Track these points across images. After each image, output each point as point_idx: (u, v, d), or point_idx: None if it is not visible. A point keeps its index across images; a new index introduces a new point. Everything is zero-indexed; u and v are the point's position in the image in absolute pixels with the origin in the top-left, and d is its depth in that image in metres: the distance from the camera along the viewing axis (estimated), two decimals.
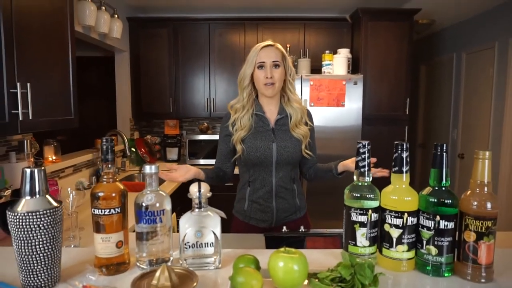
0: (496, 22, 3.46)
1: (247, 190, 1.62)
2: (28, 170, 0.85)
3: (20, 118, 1.46)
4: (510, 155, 3.33)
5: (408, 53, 3.47)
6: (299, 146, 1.58)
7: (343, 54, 3.41)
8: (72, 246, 1.46)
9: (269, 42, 1.56)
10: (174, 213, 1.66)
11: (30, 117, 1.51)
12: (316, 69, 3.46)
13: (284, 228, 1.58)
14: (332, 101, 3.26)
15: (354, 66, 3.51)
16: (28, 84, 1.48)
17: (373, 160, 1.31)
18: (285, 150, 1.55)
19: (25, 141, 2.02)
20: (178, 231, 0.99)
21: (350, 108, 3.29)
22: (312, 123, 1.67)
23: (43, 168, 0.86)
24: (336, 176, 1.59)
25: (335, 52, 3.44)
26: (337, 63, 3.35)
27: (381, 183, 1.02)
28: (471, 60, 3.90)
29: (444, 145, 0.94)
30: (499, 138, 3.41)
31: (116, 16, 3.15)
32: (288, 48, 3.52)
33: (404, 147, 0.97)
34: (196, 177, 1.44)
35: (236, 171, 1.67)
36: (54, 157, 2.43)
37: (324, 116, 3.27)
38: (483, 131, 3.68)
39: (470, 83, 3.93)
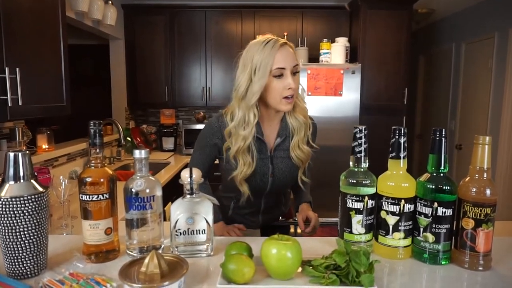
0: (496, 12, 3.41)
1: (231, 202, 1.44)
2: (11, 154, 0.82)
3: (9, 104, 1.43)
4: (508, 146, 3.31)
5: (407, 42, 3.43)
6: (297, 173, 1.35)
7: (341, 43, 3.36)
8: (64, 234, 1.44)
9: (283, 40, 1.20)
10: (170, 203, 1.62)
11: (20, 103, 1.47)
12: (313, 58, 3.41)
13: (280, 218, 1.56)
14: (330, 91, 3.22)
15: (352, 55, 3.47)
16: (17, 69, 1.44)
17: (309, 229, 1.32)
18: (281, 182, 1.34)
19: (17, 128, 1.98)
20: None
21: (348, 98, 3.25)
22: (314, 142, 1.38)
23: (27, 152, 0.83)
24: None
25: (333, 41, 3.39)
26: (335, 52, 3.30)
27: (378, 169, 0.99)
28: (471, 51, 3.86)
29: (443, 130, 0.91)
30: (497, 129, 3.39)
31: (110, 2, 3.09)
32: (285, 37, 3.46)
33: (402, 132, 0.94)
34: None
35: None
36: (47, 146, 2.39)
37: (321, 106, 3.23)
38: (481, 122, 3.66)
39: (469, 73, 3.90)
